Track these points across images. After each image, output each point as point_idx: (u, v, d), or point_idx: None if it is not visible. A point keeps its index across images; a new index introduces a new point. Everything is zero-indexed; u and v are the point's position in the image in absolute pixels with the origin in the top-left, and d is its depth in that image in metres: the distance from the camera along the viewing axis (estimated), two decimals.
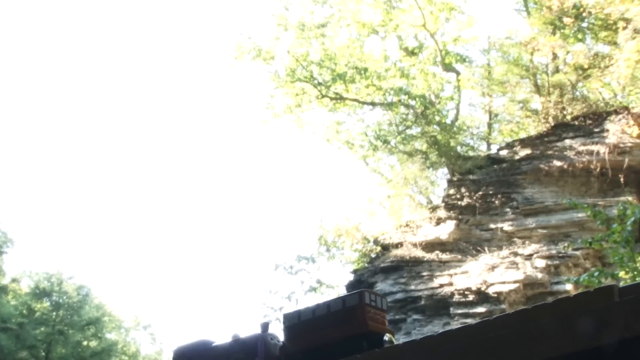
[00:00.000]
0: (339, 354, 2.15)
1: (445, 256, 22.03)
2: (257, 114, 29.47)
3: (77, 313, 40.72)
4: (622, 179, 20.66)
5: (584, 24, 26.54)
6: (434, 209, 23.87)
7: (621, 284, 11.91)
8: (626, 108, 22.67)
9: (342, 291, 25.22)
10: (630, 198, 19.13)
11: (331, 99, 28.38)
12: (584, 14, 25.27)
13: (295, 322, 2.37)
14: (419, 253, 22.47)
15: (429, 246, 22.55)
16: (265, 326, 2.46)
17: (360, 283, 22.57)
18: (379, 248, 23.96)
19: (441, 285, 21.08)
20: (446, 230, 22.55)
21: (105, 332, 44.74)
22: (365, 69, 27.96)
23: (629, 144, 21.14)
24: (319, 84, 28.20)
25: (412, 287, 21.44)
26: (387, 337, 2.25)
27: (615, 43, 24.08)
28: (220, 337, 2.61)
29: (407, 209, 26.23)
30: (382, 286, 22.07)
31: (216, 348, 2.49)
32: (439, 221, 22.91)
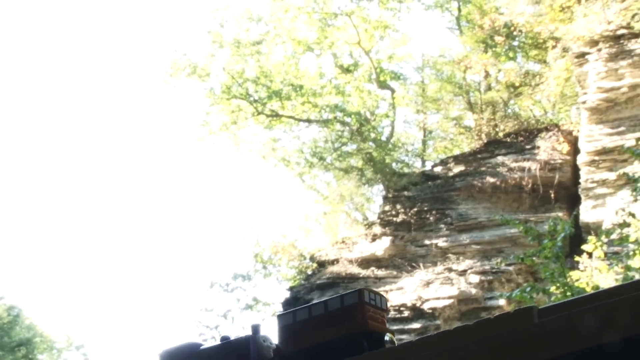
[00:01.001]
0: (337, 354, 2.11)
1: (380, 272, 22.16)
2: (193, 131, 29.34)
3: (8, 334, 39.87)
4: (552, 195, 21.03)
5: (515, 43, 27.03)
6: (370, 225, 24.00)
7: (552, 299, 12.14)
8: (556, 125, 23.11)
9: (279, 308, 25.18)
10: (560, 214, 19.49)
11: (267, 116, 28.39)
12: (515, 33, 25.74)
13: (290, 323, 2.29)
14: (354, 269, 22.56)
15: (365, 262, 22.66)
16: (256, 328, 2.36)
17: (297, 300, 22.56)
18: (315, 265, 24.00)
19: None
20: (382, 246, 22.68)
21: (36, 353, 43.85)
22: (301, 86, 28.04)
23: (559, 161, 21.54)
24: (255, 101, 28.18)
25: None
26: (388, 336, 2.18)
27: (545, 61, 24.56)
28: (206, 342, 2.56)
29: (343, 225, 26.32)
30: None
31: (205, 351, 2.39)
32: (374, 237, 23.04)
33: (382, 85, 28.88)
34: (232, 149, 29.34)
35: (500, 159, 22.69)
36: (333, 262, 23.13)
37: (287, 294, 23.92)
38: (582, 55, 20.27)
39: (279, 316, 2.35)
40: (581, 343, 1.69)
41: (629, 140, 17.57)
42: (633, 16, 19.55)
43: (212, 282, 27.70)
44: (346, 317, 2.19)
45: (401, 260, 22.16)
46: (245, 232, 32.64)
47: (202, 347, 2.42)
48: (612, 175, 18.71)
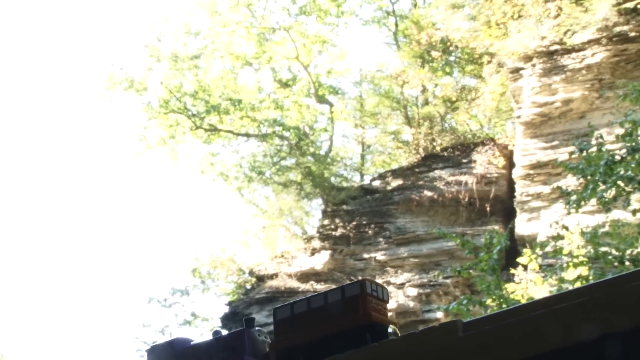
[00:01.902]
0: (338, 347, 2.02)
1: (320, 286, 22.13)
2: (130, 145, 29.06)
3: None
4: (488, 209, 21.26)
5: (452, 58, 27.35)
6: (309, 239, 24.00)
7: (488, 311, 12.25)
8: (492, 139, 23.40)
9: (217, 323, 25.02)
10: (496, 227, 19.70)
11: (205, 130, 28.26)
12: (451, 48, 26.05)
13: (288, 316, 2.18)
14: (294, 284, 22.52)
15: (304, 276, 22.64)
16: (250, 321, 2.26)
17: (236, 315, 22.44)
18: (254, 279, 23.90)
19: None
20: (321, 260, 22.69)
21: None
22: (240, 101, 27.99)
23: (495, 175, 21.80)
24: (193, 115, 28.05)
25: None
26: (391, 328, 2.08)
27: (481, 76, 24.87)
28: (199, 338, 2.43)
29: (282, 239, 26.28)
30: (257, 317, 21.93)
31: (196, 346, 2.27)
32: (313, 251, 23.04)
33: (321, 99, 28.97)
34: (170, 164, 29.17)
35: (437, 172, 22.87)
36: (272, 277, 23.06)
37: (226, 309, 23.78)
38: (516, 70, 20.57)
39: (276, 309, 2.24)
40: (506, 357, 1.70)
41: (562, 155, 17.85)
42: (565, 32, 19.92)
43: (150, 297, 27.44)
44: (348, 309, 2.11)
45: (340, 274, 22.18)
46: (184, 247, 32.41)
47: (192, 343, 2.32)
48: (546, 189, 18.99)
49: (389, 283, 21.07)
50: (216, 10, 28.45)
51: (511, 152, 21.59)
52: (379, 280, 21.18)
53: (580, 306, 1.62)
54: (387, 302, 2.17)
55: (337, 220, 23.47)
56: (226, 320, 23.14)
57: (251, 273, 24.39)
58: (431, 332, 1.85)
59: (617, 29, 19.05)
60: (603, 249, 11.95)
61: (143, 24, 37.43)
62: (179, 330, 26.71)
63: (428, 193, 22.34)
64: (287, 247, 24.84)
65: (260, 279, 23.46)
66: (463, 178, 22.00)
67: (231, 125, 28.42)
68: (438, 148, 24.52)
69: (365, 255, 22.35)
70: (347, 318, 2.08)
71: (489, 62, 23.01)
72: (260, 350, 2.20)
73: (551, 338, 1.65)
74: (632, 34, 18.94)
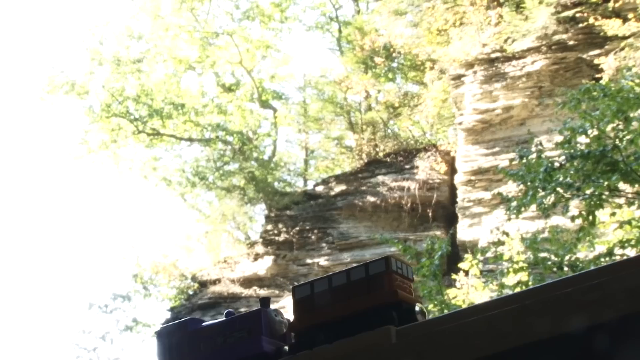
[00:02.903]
0: (363, 326, 1.92)
1: (263, 292, 22.07)
2: (71, 149, 28.71)
3: None
4: (431, 214, 21.41)
5: (394, 64, 27.52)
6: (252, 244, 23.94)
7: (430, 316, 12.32)
8: (434, 146, 23.57)
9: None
10: (438, 232, 19.85)
11: (148, 134, 28.04)
12: (394, 54, 26.21)
13: (308, 295, 2.07)
14: (237, 289, 22.44)
15: (247, 282, 22.57)
16: (265, 300, 2.15)
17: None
18: (196, 285, 23.76)
19: None
20: (264, 265, 22.64)
21: None
22: (183, 105, 27.84)
23: (437, 180, 21.97)
24: (136, 119, 27.81)
25: None
26: (418, 307, 1.99)
27: (423, 83, 25.07)
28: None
29: (225, 245, 26.18)
30: None
31: (209, 327, 2.18)
32: (256, 257, 22.99)
33: (264, 104, 28.94)
34: (112, 168, 28.87)
35: (380, 178, 22.96)
36: (215, 282, 22.95)
37: (168, 315, 23.59)
38: (458, 77, 20.77)
39: (295, 288, 2.13)
40: None
41: (503, 161, 18.06)
42: (506, 40, 20.16)
43: (91, 303, 27.10)
44: (372, 286, 2.00)
45: (283, 280, 22.16)
46: (125, 252, 32.10)
47: (204, 324, 2.23)
48: (487, 195, 19.18)
49: None
50: (159, 14, 28.26)
51: (453, 159, 21.78)
52: None
53: (511, 313, 1.63)
54: (412, 280, 2.08)
55: (280, 226, 23.44)
56: None
57: (194, 278, 24.24)
58: (364, 338, 1.85)
59: (556, 37, 19.35)
60: (542, 254, 12.10)
61: (84, 27, 36.99)
62: (120, 337, 26.42)
63: (371, 199, 22.42)
64: (230, 252, 24.76)
65: (203, 284, 23.33)
66: (406, 184, 22.12)
67: (174, 129, 28.25)
68: (381, 154, 24.63)
69: (309, 261, 22.35)
70: (371, 296, 1.99)
71: (431, 68, 23.20)
72: (277, 331, 2.11)
73: (482, 344, 1.66)
74: (571, 43, 19.25)
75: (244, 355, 2.06)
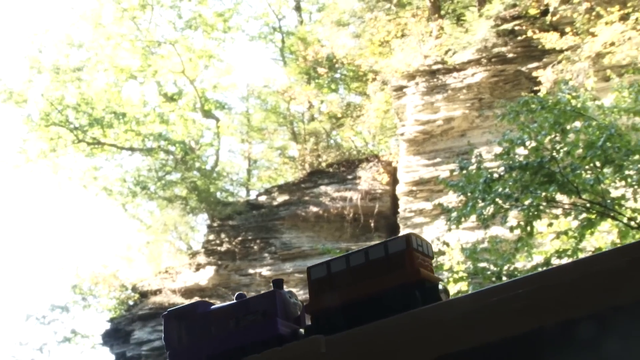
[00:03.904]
0: (384, 307, 1.83)
1: None
2: (9, 158, 28.28)
3: None
4: (373, 224, 21.51)
5: (337, 75, 27.63)
6: (194, 254, 23.80)
7: None
8: (376, 156, 23.70)
9: (98, 340, 24.53)
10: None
11: (88, 143, 27.75)
12: (337, 65, 26.32)
13: (324, 275, 1.97)
14: (178, 299, 22.26)
15: (189, 292, 22.41)
16: (279, 282, 2.04)
17: (118, 331, 22.04)
18: (137, 295, 23.53)
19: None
20: (206, 276, 22.52)
21: None
22: (124, 114, 27.60)
23: (379, 191, 22.08)
24: (75, 128, 27.49)
25: None
26: (441, 285, 1.89)
27: (365, 94, 25.19)
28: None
29: (166, 255, 25.99)
30: (140, 334, 21.66)
31: (220, 309, 2.07)
32: (198, 267, 22.85)
33: (207, 114, 28.84)
34: (51, 177, 28.52)
35: (323, 188, 23.01)
36: (156, 292, 22.75)
37: (108, 326, 23.32)
38: (400, 88, 20.91)
39: (310, 268, 2.02)
40: None
41: (444, 172, 18.23)
42: (446, 52, 20.37)
43: (28, 314, 26.69)
44: (393, 266, 1.90)
45: (225, 290, 22.05)
46: (64, 262, 31.65)
47: (214, 307, 2.11)
48: (428, 205, 19.32)
49: None
50: (100, 22, 28.02)
51: (395, 169, 21.91)
52: None
53: (439, 322, 1.65)
54: (433, 258, 1.99)
55: (222, 236, 23.34)
56: (107, 337, 22.69)
57: (134, 289, 24.01)
58: (294, 348, 1.84)
59: (496, 50, 19.60)
60: (482, 264, 12.22)
61: (24, 35, 36.50)
62: (58, 348, 26.06)
63: (314, 209, 22.45)
64: (172, 262, 24.58)
65: (144, 294, 23.11)
66: (348, 194, 22.20)
67: (115, 139, 27.99)
68: (324, 164, 24.69)
69: (251, 271, 22.28)
70: (392, 275, 1.89)
71: (374, 79, 23.33)
72: (292, 313, 2.02)
73: (411, 354, 1.66)
74: (510, 55, 19.52)
75: (259, 338, 1.97)
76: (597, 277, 1.48)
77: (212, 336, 2.05)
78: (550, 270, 1.61)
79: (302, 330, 2.00)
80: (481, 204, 11.72)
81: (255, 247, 22.61)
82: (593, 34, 17.40)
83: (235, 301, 2.07)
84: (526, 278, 1.62)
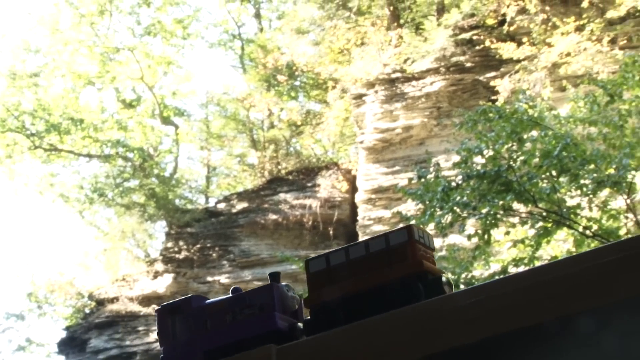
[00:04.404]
0: (385, 300, 1.79)
1: None
2: None
3: None
4: (331, 232, 21.53)
5: (297, 83, 27.65)
6: (152, 262, 23.65)
7: None
8: (336, 164, 23.75)
9: (53, 349, 24.26)
10: None
11: (45, 150, 27.46)
12: (297, 73, 26.33)
13: (323, 268, 1.92)
14: (135, 307, 22.11)
15: (146, 300, 22.26)
16: (275, 275, 1.99)
17: (73, 340, 21.83)
18: (93, 303, 23.32)
19: (157, 340, 20.86)
20: (163, 283, 22.39)
21: None
22: (82, 120, 27.36)
23: (339, 199, 22.12)
24: (32, 134, 27.20)
25: (128, 343, 21.02)
26: (444, 277, 1.85)
27: (325, 101, 25.23)
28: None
29: (124, 262, 25.80)
30: (96, 342, 21.46)
31: (215, 303, 2.03)
32: (156, 275, 22.71)
33: (166, 121, 28.70)
34: (7, 184, 28.18)
35: (282, 196, 23.01)
36: (112, 300, 22.56)
37: (63, 334, 23.09)
38: (359, 96, 20.97)
39: (308, 261, 1.97)
40: None
41: (402, 180, 18.30)
42: (405, 60, 20.48)
43: None
44: (394, 258, 1.86)
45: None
46: (20, 270, 31.28)
47: (209, 301, 2.06)
48: (387, 213, 19.37)
49: None
50: (58, 27, 27.79)
51: (354, 177, 21.96)
52: None
53: (390, 332, 1.64)
54: (434, 250, 1.95)
55: (181, 243, 23.23)
56: (63, 345, 22.46)
57: (91, 297, 23.79)
58: (245, 357, 1.82)
59: (454, 59, 19.75)
60: None
61: None
62: (12, 357, 25.75)
63: (273, 216, 22.43)
64: (129, 270, 24.40)
65: (100, 302, 22.91)
66: (307, 202, 22.21)
67: (72, 145, 27.73)
68: (283, 172, 24.69)
69: (209, 278, 22.18)
70: (395, 268, 1.85)
71: (333, 87, 23.38)
72: (290, 307, 1.98)
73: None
74: (468, 65, 19.68)
75: (256, 332, 1.94)
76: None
77: (208, 331, 2.01)
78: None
79: (300, 325, 1.97)
80: (439, 212, 11.76)
81: (214, 254, 22.53)
82: (549, 45, 17.60)
83: (231, 295, 2.03)
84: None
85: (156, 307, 2.18)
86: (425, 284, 1.82)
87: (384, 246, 1.89)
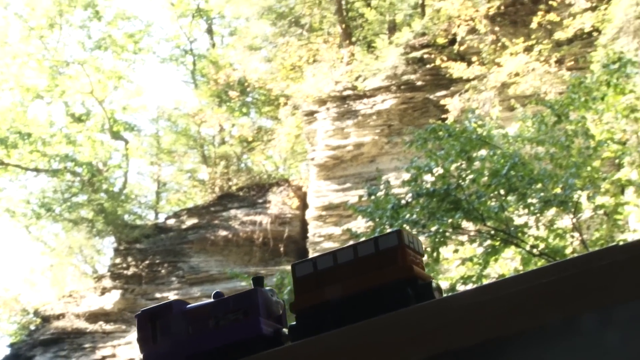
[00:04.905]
0: (374, 305, 1.75)
1: (109, 327, 21.59)
2: None
3: None
4: (282, 249, 21.51)
5: (249, 99, 27.64)
6: (100, 278, 23.40)
7: None
8: (287, 180, 23.76)
9: None
10: (288, 267, 19.76)
11: None
12: (249, 89, 26.33)
13: (310, 272, 1.86)
14: (82, 324, 21.84)
15: (93, 317, 22.01)
16: (259, 280, 1.93)
17: (18, 357, 21.47)
18: (39, 320, 22.98)
19: (104, 357, 20.62)
20: (111, 300, 22.15)
21: None
22: (29, 134, 27.02)
23: (289, 215, 22.11)
24: None
25: None
26: (434, 283, 1.81)
27: (277, 118, 25.25)
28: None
29: (71, 278, 25.51)
30: (41, 359, 21.16)
31: (197, 308, 1.95)
32: (104, 291, 22.47)
33: (116, 135, 28.48)
34: None
35: (233, 212, 22.94)
36: (59, 317, 22.26)
37: (7, 351, 22.72)
38: (311, 113, 21.01)
39: (295, 265, 1.90)
40: None
41: (353, 197, 18.33)
42: (357, 78, 20.58)
43: None
44: (384, 262, 1.82)
45: (131, 314, 21.71)
46: None
47: (190, 306, 1.98)
48: (337, 230, 19.41)
49: None
50: (6, 40, 27.48)
51: (305, 194, 21.98)
52: None
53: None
54: (423, 255, 1.91)
55: (129, 259, 23.02)
56: None
57: (36, 313, 23.45)
58: None
59: (405, 77, 19.89)
60: None
61: None
62: None
63: (223, 232, 22.34)
64: (76, 286, 24.11)
65: (46, 319, 22.58)
66: (258, 218, 22.17)
67: (19, 159, 27.37)
68: (234, 188, 24.64)
69: (158, 295, 22.00)
70: (383, 272, 1.81)
71: (285, 104, 23.41)
72: (274, 312, 1.93)
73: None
74: (419, 83, 19.83)
75: (240, 338, 1.87)
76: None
77: (190, 336, 1.95)
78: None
79: (285, 330, 1.92)
80: (389, 229, 11.81)
81: (163, 271, 22.36)
82: (499, 64, 17.81)
83: (213, 300, 1.97)
84: (524, 275, 1.58)
85: (136, 313, 2.13)
86: (416, 289, 1.79)
87: (373, 250, 1.84)
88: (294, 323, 1.86)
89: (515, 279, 1.57)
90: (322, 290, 1.85)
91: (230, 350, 1.87)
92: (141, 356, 1.97)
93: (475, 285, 11.38)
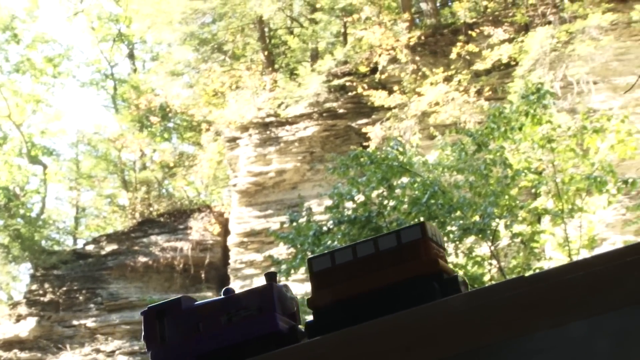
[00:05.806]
0: (399, 301, 1.67)
1: (24, 355, 21.11)
2: None
3: None
4: (203, 275, 21.37)
5: (171, 124, 27.48)
6: (15, 305, 22.88)
7: None
8: (208, 207, 23.64)
9: None
10: (209, 294, 19.82)
11: None
12: (171, 114, 26.19)
13: (328, 267, 1.79)
14: None
15: (7, 345, 21.50)
16: (272, 275, 1.86)
17: None
18: None
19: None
20: (27, 327, 21.68)
21: None
22: None
23: (210, 242, 21.99)
24: None
25: None
26: (461, 278, 1.72)
27: (199, 144, 25.16)
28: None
29: None
30: None
31: (208, 304, 1.88)
32: (19, 318, 21.98)
33: (34, 160, 28.00)
34: None
35: (153, 238, 22.73)
36: None
37: None
38: (233, 139, 21.00)
39: (311, 260, 1.83)
40: None
41: (275, 224, 18.35)
42: (280, 105, 20.66)
43: None
44: (406, 256, 1.75)
45: (47, 342, 21.28)
46: None
47: (199, 302, 1.91)
48: (259, 257, 19.39)
49: (98, 351, 20.49)
50: None
51: (227, 220, 21.90)
52: (87, 349, 20.55)
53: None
54: (445, 250, 1.82)
55: (46, 285, 22.57)
56: None
57: None
58: None
59: (327, 105, 20.05)
60: (310, 317, 12.31)
61: None
62: None
63: (143, 259, 22.10)
64: None
65: None
66: (179, 244, 22.01)
67: None
68: (155, 213, 24.41)
69: (75, 322, 21.62)
70: (407, 267, 1.73)
71: (207, 130, 23.35)
72: (289, 309, 1.86)
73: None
74: (341, 111, 19.99)
75: (255, 334, 1.82)
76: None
77: (200, 334, 1.88)
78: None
79: (301, 327, 1.86)
80: (310, 255, 11.85)
81: (81, 297, 21.98)
82: (419, 94, 18.09)
83: (223, 296, 1.91)
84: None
85: (141, 311, 2.08)
86: (441, 283, 1.72)
87: (395, 244, 1.78)
88: (311, 319, 1.81)
89: (471, 294, 1.56)
90: (341, 285, 1.79)
91: (244, 347, 1.82)
92: (148, 355, 1.91)
93: None
